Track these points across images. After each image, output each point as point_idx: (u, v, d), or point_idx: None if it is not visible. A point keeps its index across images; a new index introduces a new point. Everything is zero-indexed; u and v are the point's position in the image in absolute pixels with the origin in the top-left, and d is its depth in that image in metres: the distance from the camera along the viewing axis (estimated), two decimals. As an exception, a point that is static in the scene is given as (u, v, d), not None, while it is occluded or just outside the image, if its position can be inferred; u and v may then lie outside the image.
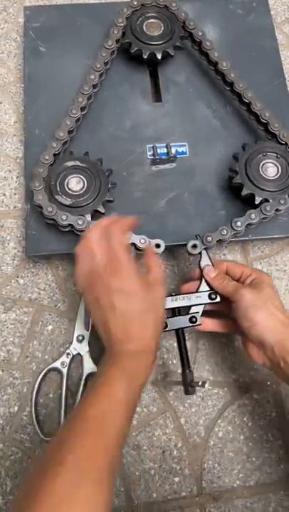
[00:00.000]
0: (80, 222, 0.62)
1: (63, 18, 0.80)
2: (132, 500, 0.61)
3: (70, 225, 0.63)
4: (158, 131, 0.73)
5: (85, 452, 0.43)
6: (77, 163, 0.66)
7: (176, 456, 0.64)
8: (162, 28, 0.73)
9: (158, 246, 0.63)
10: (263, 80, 0.77)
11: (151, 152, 0.71)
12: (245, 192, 0.65)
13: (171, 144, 0.72)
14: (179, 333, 0.62)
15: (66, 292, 0.70)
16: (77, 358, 0.67)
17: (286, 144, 0.68)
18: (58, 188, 0.64)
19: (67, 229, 0.64)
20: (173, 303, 0.61)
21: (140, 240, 0.62)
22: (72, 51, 0.78)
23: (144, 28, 0.73)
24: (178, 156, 0.71)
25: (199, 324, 0.61)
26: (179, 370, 0.62)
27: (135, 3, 0.73)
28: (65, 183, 0.64)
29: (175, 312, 0.62)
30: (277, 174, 0.66)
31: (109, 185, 0.66)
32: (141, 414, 0.65)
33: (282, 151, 0.68)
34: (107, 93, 0.75)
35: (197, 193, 0.70)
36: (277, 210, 0.65)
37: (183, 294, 0.61)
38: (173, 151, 0.71)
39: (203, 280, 0.62)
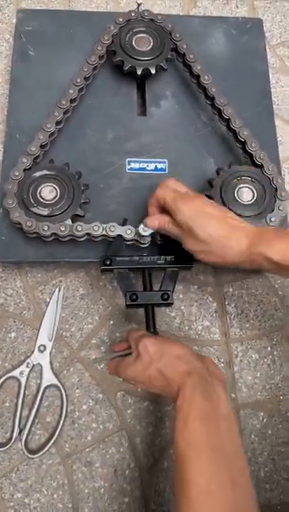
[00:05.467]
0: (62, 228, 0.62)
1: (56, 24, 0.79)
2: (79, 518, 0.60)
3: (53, 233, 0.62)
4: (140, 146, 0.73)
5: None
6: (45, 171, 0.64)
7: (128, 476, 0.63)
8: (152, 42, 0.72)
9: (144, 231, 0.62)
10: (249, 102, 0.77)
11: (131, 166, 0.71)
12: None
13: (152, 160, 0.71)
14: (148, 307, 0.60)
15: (33, 300, 0.69)
16: (37, 368, 0.66)
17: (262, 165, 0.67)
18: (32, 201, 0.63)
19: (51, 238, 0.63)
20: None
21: (126, 231, 0.62)
22: (62, 58, 0.77)
23: (133, 43, 0.72)
24: (157, 172, 0.71)
25: (171, 303, 0.60)
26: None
27: (121, 19, 0.72)
28: (38, 193, 0.63)
29: (146, 287, 0.61)
30: (253, 198, 0.65)
31: (82, 187, 0.65)
32: (96, 430, 0.64)
33: (257, 175, 0.67)
34: (92, 102, 0.74)
35: (173, 212, 0.69)
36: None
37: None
38: (152, 167, 0.71)
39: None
